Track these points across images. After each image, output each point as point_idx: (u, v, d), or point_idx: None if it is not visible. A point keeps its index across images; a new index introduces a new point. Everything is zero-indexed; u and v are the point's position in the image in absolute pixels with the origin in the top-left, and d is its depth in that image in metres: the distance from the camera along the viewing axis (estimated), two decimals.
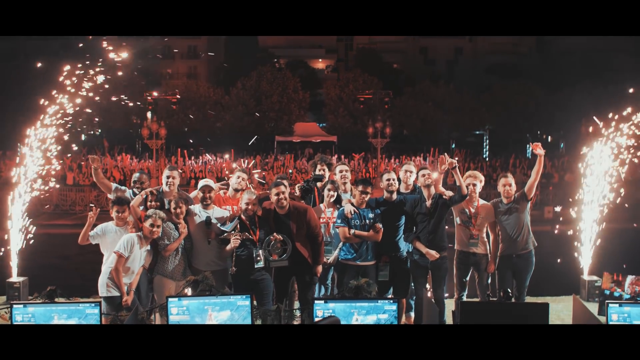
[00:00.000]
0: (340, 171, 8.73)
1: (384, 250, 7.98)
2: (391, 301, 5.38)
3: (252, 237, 7.40)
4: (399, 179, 8.37)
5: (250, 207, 7.46)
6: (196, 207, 7.93)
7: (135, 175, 8.81)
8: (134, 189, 8.58)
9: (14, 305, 5.35)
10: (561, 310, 9.32)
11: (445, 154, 8.53)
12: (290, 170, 34.25)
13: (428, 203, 7.94)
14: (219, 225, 7.65)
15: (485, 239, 8.39)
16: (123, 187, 8.74)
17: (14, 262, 10.64)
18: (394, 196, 8.08)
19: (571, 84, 41.01)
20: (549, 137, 48.90)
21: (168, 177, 8.42)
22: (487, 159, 42.80)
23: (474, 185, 8.22)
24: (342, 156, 36.34)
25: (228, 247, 7.36)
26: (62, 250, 18.11)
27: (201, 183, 8.06)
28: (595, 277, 10.17)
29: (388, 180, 8.03)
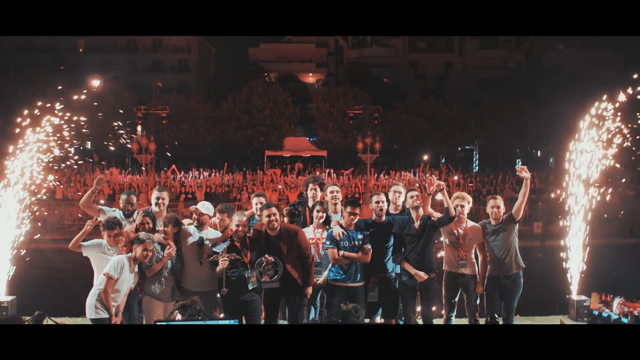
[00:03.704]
0: (332, 192, 8.69)
1: (373, 271, 7.98)
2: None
3: (243, 258, 7.41)
4: (388, 200, 8.39)
5: (240, 228, 7.47)
6: (191, 228, 7.89)
7: (124, 197, 8.71)
8: (123, 210, 8.55)
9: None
10: None
11: (433, 175, 8.55)
12: (279, 186, 34.28)
13: (416, 224, 7.95)
14: (210, 246, 7.64)
15: (474, 260, 8.36)
16: (112, 209, 8.68)
17: (2, 282, 10.60)
18: (383, 217, 8.11)
19: (560, 99, 41.23)
20: (539, 152, 49.16)
21: (158, 198, 8.39)
22: (476, 174, 42.96)
23: (462, 206, 8.24)
24: (331, 171, 36.47)
25: (218, 268, 7.35)
26: (51, 265, 18.05)
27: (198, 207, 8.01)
28: (584, 297, 10.20)
29: (377, 202, 8.05)
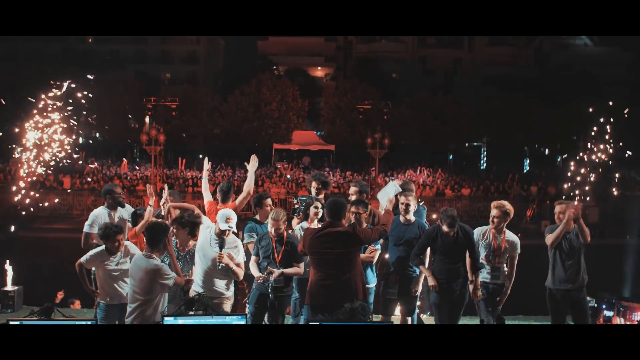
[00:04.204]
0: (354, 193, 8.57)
1: (396, 269, 7.94)
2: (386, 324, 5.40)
3: (275, 255, 7.37)
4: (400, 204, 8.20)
5: (273, 230, 7.37)
6: (207, 230, 7.39)
7: (109, 188, 8.60)
8: (113, 202, 8.44)
9: (11, 322, 5.35)
10: None
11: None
12: (288, 176, 34.39)
13: (450, 236, 7.60)
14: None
15: (505, 269, 8.00)
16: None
17: (8, 270, 10.67)
18: (409, 217, 8.03)
19: (569, 97, 41.11)
20: (546, 150, 49.01)
21: (163, 203, 8.24)
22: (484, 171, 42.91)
23: (498, 217, 7.82)
24: (338, 172, 36.43)
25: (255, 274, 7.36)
26: (60, 254, 18.14)
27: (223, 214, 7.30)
28: (588, 298, 10.19)
29: (402, 204, 7.93)
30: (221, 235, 7.15)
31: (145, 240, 6.74)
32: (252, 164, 8.84)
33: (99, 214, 8.29)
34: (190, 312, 5.84)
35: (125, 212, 8.51)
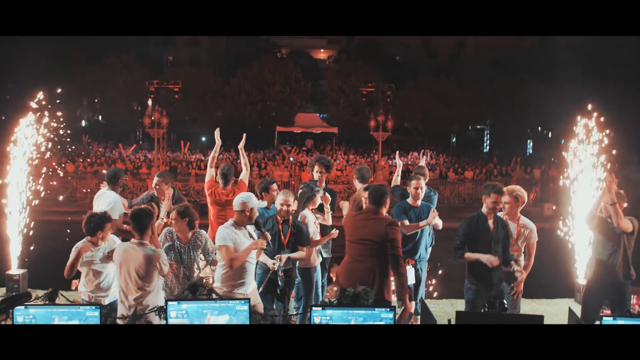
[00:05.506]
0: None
1: (411, 254, 7.92)
2: (388, 309, 5.41)
3: (282, 239, 7.35)
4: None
5: (285, 207, 7.33)
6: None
7: (114, 173, 8.34)
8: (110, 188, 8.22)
9: (16, 307, 5.37)
10: (555, 314, 9.33)
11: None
12: (291, 158, 34.46)
13: (491, 224, 7.13)
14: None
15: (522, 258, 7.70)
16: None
17: (13, 254, 10.69)
18: (419, 202, 8.02)
19: (573, 79, 40.89)
20: (550, 132, 48.88)
21: (155, 185, 8.11)
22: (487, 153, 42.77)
23: (508, 203, 7.45)
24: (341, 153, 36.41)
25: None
26: (63, 238, 18.15)
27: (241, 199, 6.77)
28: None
29: (416, 189, 7.95)
30: (253, 217, 6.76)
31: (132, 229, 6.54)
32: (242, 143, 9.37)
33: (116, 199, 8.06)
34: (214, 296, 5.83)
35: None
